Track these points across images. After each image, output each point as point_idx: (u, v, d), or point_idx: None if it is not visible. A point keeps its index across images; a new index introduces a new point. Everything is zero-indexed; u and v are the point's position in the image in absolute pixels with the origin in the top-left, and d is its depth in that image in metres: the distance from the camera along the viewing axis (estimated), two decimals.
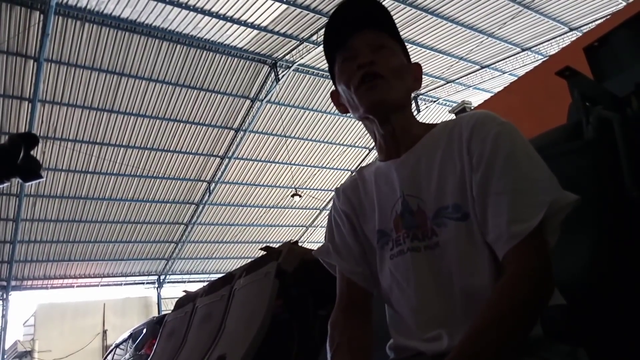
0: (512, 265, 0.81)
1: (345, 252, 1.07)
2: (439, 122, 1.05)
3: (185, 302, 4.01)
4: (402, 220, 0.96)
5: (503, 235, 0.82)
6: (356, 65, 0.98)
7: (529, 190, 0.83)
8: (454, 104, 13.46)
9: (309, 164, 15.18)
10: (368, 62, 0.97)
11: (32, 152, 1.25)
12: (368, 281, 1.04)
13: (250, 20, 10.39)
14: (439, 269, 0.91)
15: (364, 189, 1.07)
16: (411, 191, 0.96)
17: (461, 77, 13.90)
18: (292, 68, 12.01)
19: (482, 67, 13.45)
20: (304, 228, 17.59)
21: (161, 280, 17.06)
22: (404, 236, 0.96)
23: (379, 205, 1.02)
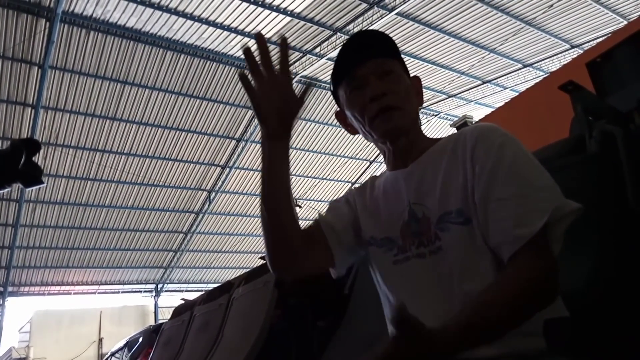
0: (517, 262, 0.83)
1: (339, 218, 1.10)
2: (444, 136, 1.09)
3: (183, 310, 3.99)
4: (409, 228, 0.99)
5: (507, 239, 0.84)
6: (368, 98, 1.01)
7: (531, 197, 0.85)
8: (455, 118, 13.49)
9: (309, 175, 15.18)
10: (380, 94, 1.00)
11: (33, 158, 1.25)
12: (336, 246, 1.07)
13: (253, 32, 10.48)
14: (440, 273, 0.92)
15: (370, 195, 1.11)
16: (417, 199, 0.99)
17: (463, 92, 13.96)
18: (295, 80, 12.00)
19: (484, 82, 13.51)
20: None
21: (159, 289, 16.98)
22: (409, 243, 0.98)
23: (386, 213, 1.05)
